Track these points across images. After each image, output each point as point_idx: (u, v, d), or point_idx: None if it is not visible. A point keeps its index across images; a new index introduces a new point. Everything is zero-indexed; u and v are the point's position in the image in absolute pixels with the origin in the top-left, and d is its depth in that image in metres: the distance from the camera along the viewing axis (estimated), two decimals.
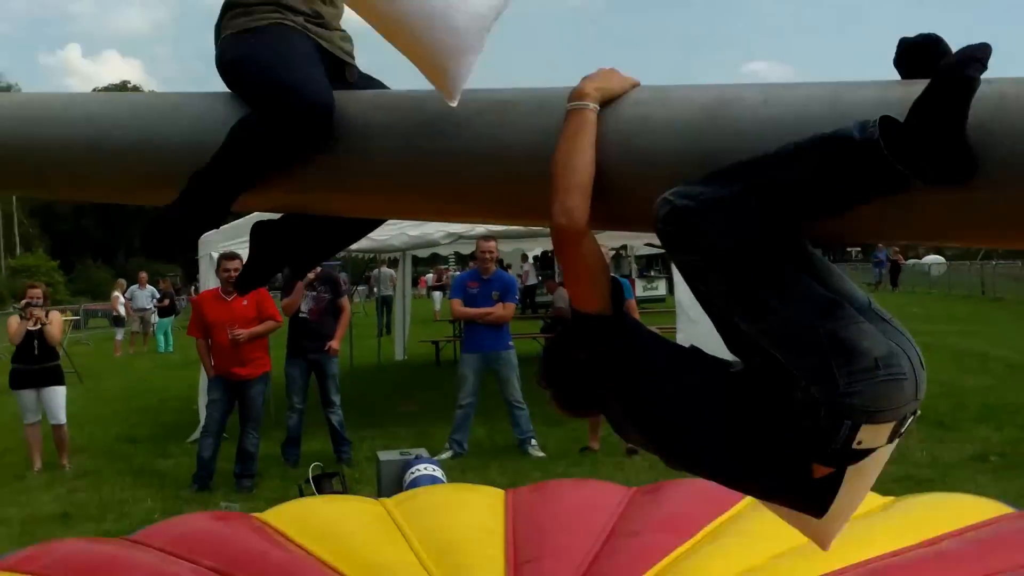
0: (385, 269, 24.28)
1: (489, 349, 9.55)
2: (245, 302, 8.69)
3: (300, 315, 9.54)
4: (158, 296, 25.95)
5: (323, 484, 7.74)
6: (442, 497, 5.72)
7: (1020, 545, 4.04)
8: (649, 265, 42.08)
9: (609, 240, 11.91)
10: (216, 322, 8.82)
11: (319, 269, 9.70)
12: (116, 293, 26.54)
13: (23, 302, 9.94)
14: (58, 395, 9.90)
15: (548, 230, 2.55)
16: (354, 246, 11.77)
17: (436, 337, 19.49)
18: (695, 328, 10.72)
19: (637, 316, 10.06)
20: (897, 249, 44.73)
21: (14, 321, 9.96)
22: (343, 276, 12.56)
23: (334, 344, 9.56)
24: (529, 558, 4.49)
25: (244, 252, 11.76)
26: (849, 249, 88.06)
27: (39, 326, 9.72)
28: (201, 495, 8.43)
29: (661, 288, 33.56)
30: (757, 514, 4.82)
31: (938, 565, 4.03)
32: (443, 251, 20.94)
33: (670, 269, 38.46)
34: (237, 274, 8.63)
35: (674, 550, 4.45)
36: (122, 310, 25.53)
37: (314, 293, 9.57)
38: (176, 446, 10.58)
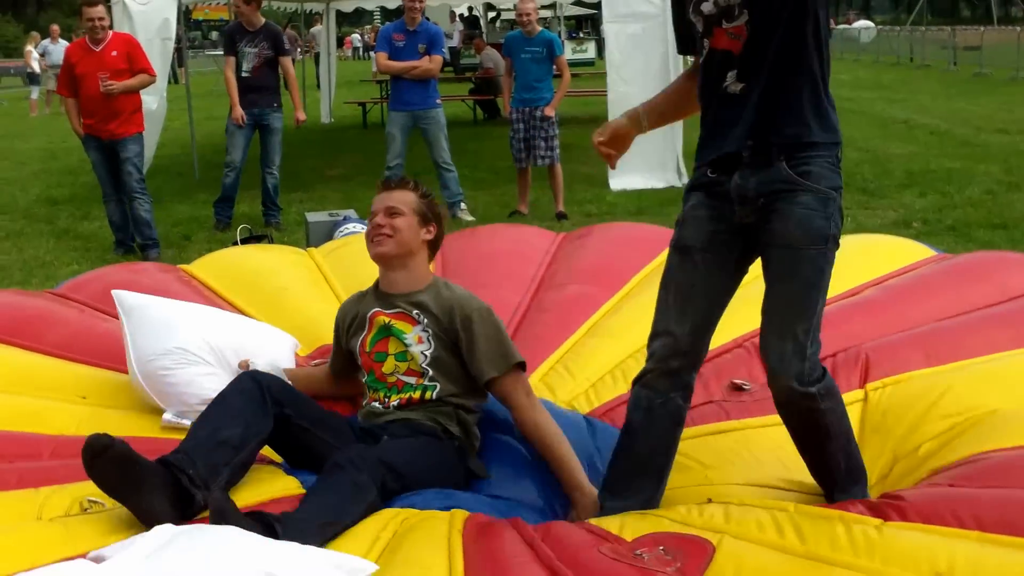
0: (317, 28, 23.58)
1: (416, 107, 9.33)
2: (115, 52, 8.27)
3: (243, 74, 9.22)
4: None
5: None
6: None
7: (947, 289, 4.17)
8: (579, 27, 41.37)
9: None
10: (84, 73, 8.27)
11: (262, 23, 9.35)
12: (29, 48, 25.26)
13: None
14: None
15: None
16: None
17: (362, 99, 19.15)
18: (627, 89, 10.64)
19: (567, 74, 9.84)
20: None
21: None
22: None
23: (299, 114, 9.60)
24: None
25: (156, 0, 11.33)
26: None
27: None
28: (128, 259, 8.34)
29: (590, 51, 33.08)
30: None
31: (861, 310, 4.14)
32: (368, 5, 20.28)
33: (600, 31, 37.90)
34: (102, 22, 8.31)
35: (602, 305, 4.50)
36: (36, 66, 24.35)
37: (255, 49, 9.20)
38: (99, 208, 10.34)
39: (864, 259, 4.61)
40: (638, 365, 3.86)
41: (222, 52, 9.82)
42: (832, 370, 3.22)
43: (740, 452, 3.34)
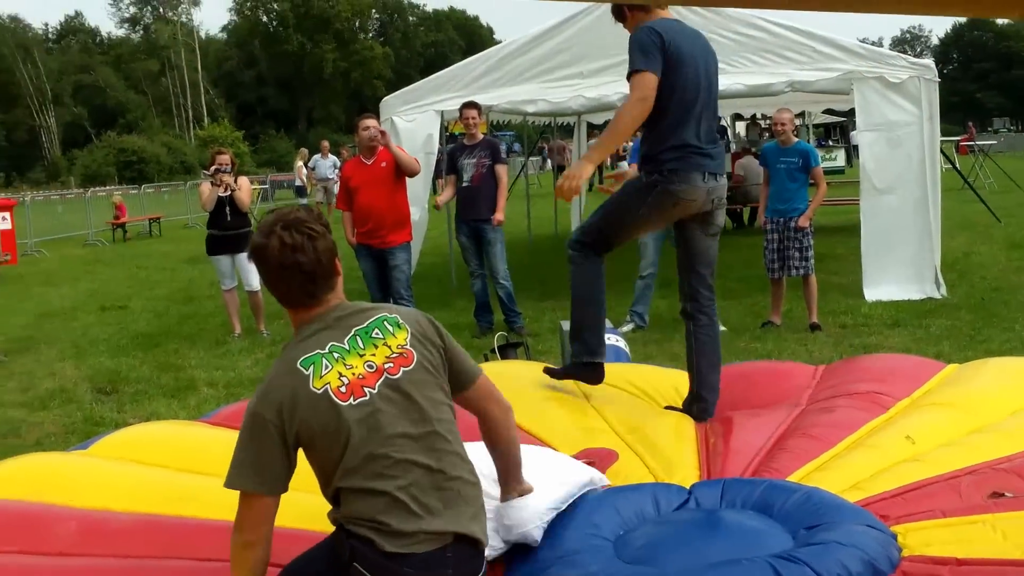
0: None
1: None
2: (384, 163, 8.83)
3: (464, 183, 9.60)
4: (339, 165, 26.17)
5: (507, 354, 7.83)
6: (623, 375, 5.77)
7: None
8: (827, 135, 40.80)
9: (792, 107, 11.56)
10: (358, 186, 8.92)
11: (481, 137, 9.73)
12: (299, 163, 26.99)
13: (212, 168, 10.04)
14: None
15: None
16: (530, 109, 11.87)
17: None
18: (882, 197, 10.40)
19: (823, 185, 9.84)
20: None
21: (205, 188, 10.12)
22: (510, 145, 12.41)
23: (498, 215, 9.46)
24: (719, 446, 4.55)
25: (421, 117, 12.00)
26: None
27: (229, 192, 9.94)
28: None
29: (840, 159, 32.59)
30: (951, 388, 4.77)
31: None
32: None
33: (848, 139, 37.05)
34: (379, 131, 8.87)
35: (866, 423, 4.45)
36: (304, 179, 25.96)
37: (474, 160, 9.55)
38: None
39: None
40: (908, 473, 3.84)
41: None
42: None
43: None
